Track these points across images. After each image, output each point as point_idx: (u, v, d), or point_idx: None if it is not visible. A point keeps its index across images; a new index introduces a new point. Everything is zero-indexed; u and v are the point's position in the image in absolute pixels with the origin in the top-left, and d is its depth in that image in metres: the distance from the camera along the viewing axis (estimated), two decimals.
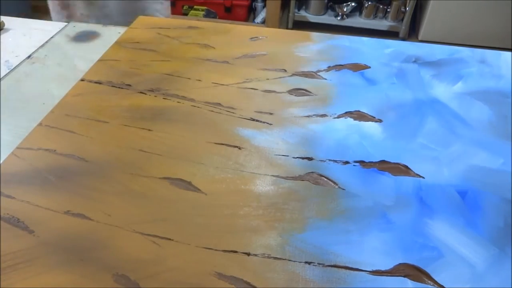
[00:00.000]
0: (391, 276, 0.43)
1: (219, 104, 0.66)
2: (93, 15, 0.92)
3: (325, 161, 0.56)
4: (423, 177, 0.54)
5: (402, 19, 2.22)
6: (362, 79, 0.73)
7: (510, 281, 0.43)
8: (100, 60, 0.76)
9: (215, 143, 0.59)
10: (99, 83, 0.70)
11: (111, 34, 0.86)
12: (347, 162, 0.56)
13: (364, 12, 2.27)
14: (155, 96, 0.68)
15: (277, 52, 0.80)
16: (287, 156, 0.57)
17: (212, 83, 0.71)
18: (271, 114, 0.64)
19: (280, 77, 0.73)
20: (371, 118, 0.64)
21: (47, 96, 0.66)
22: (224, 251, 0.46)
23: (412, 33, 2.30)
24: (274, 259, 0.45)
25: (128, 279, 0.43)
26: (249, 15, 2.37)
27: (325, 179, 0.54)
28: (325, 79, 0.73)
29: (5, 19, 0.89)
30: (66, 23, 0.89)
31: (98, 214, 0.49)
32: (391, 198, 0.52)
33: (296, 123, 0.63)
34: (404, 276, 0.43)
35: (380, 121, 0.64)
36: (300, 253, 0.45)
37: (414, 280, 0.43)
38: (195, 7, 2.33)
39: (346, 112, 0.65)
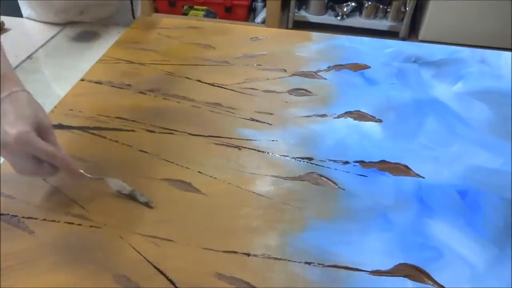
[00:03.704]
0: (391, 276, 0.43)
1: (219, 104, 0.66)
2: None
3: (325, 161, 0.56)
4: (423, 177, 0.54)
5: (402, 19, 2.22)
6: (362, 79, 0.73)
7: (510, 281, 0.43)
8: (100, 60, 0.76)
9: (215, 144, 0.59)
10: (99, 83, 0.70)
11: (111, 34, 0.86)
12: (347, 162, 0.56)
13: (364, 12, 2.27)
14: (155, 96, 0.68)
15: (277, 52, 0.79)
16: (287, 156, 0.57)
17: (212, 83, 0.71)
18: (271, 114, 0.64)
19: (280, 77, 0.73)
20: (371, 118, 0.64)
21: (47, 96, 0.66)
22: (224, 251, 0.46)
23: (412, 33, 2.30)
24: (274, 259, 0.45)
25: (128, 279, 0.43)
26: (249, 15, 2.37)
27: (325, 179, 0.54)
28: (325, 79, 0.73)
29: (5, 19, 0.89)
30: (66, 23, 0.89)
31: (98, 215, 0.49)
32: (391, 198, 0.52)
33: (296, 123, 0.63)
34: (404, 276, 0.43)
35: (380, 121, 0.63)
36: (300, 253, 0.45)
37: (414, 280, 0.43)
38: (195, 7, 2.33)
39: (346, 112, 0.65)
